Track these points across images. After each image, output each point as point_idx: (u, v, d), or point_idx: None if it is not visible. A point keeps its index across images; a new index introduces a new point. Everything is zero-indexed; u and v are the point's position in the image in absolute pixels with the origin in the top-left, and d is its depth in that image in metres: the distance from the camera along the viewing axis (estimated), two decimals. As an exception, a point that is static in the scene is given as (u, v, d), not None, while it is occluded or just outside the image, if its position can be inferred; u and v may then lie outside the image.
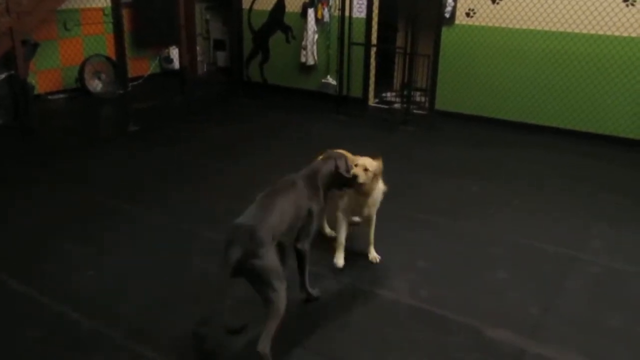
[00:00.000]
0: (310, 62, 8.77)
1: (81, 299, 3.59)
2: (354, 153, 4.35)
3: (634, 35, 6.55)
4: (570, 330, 3.37)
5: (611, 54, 6.73)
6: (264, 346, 2.79)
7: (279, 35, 9.14)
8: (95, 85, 8.67)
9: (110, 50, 8.72)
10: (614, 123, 6.90)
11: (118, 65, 7.76)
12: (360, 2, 8.14)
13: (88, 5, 8.59)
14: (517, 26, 7.20)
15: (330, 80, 8.73)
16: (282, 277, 2.88)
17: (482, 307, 3.58)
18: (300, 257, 3.37)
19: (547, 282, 3.89)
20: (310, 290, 3.53)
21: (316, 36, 8.65)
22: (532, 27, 7.11)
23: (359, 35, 8.17)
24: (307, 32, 8.62)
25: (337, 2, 8.13)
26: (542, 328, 3.39)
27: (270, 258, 2.83)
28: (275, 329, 2.83)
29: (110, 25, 7.55)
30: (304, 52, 8.77)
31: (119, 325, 3.33)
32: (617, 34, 6.65)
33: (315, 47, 8.70)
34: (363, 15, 8.19)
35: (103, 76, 8.71)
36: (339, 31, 8.00)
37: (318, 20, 8.57)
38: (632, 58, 6.62)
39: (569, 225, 4.76)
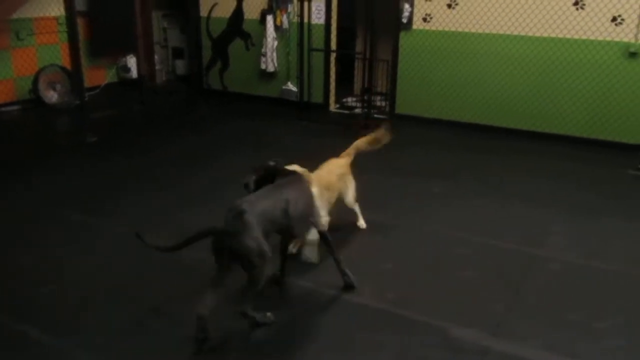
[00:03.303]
0: (271, 68, 8.76)
1: (42, 315, 3.49)
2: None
3: (584, 37, 6.76)
4: (533, 327, 3.44)
5: (563, 56, 6.93)
6: (245, 308, 3.16)
7: (238, 43, 9.10)
8: (51, 95, 8.47)
9: (65, 60, 8.53)
10: (568, 123, 7.09)
11: (74, 75, 7.61)
12: (319, 8, 8.17)
13: (41, 14, 8.40)
14: (473, 30, 7.34)
15: (291, 86, 8.74)
16: (264, 255, 3.07)
17: (448, 307, 3.62)
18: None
19: (510, 280, 3.97)
20: (345, 273, 3.75)
21: (276, 43, 8.65)
22: (487, 31, 7.27)
23: (318, 42, 8.20)
24: (266, 39, 8.61)
25: (296, 9, 8.15)
26: (505, 326, 3.45)
27: (252, 240, 3.01)
28: (254, 296, 3.16)
29: (65, 35, 7.39)
30: (263, 59, 8.76)
31: (83, 341, 3.25)
32: (568, 36, 6.84)
33: (275, 53, 8.70)
34: (322, 21, 8.22)
35: (58, 86, 8.52)
36: (299, 37, 8.02)
37: (277, 27, 8.57)
38: (583, 60, 6.83)
39: (531, 223, 4.87)
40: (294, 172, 3.62)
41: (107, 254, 4.26)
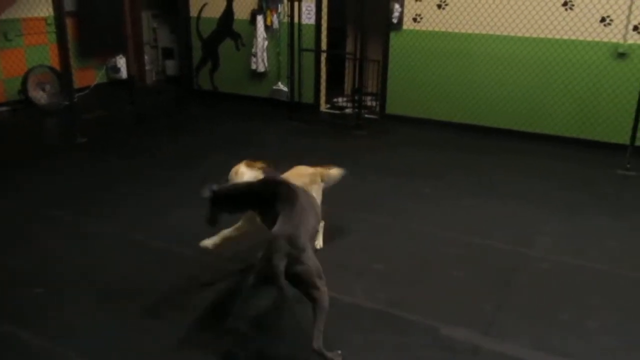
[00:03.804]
0: (261, 69, 8.75)
1: (36, 317, 3.46)
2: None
3: (573, 38, 6.80)
4: (523, 326, 3.46)
5: (553, 56, 6.97)
6: (318, 343, 2.92)
7: (228, 43, 9.08)
8: (40, 96, 8.41)
9: (54, 61, 8.48)
10: (558, 123, 7.14)
11: (63, 76, 7.56)
12: (309, 8, 8.17)
13: (30, 15, 8.34)
14: (463, 30, 7.37)
15: (282, 86, 8.73)
16: (322, 275, 3.01)
17: (440, 307, 3.63)
18: None
19: (501, 279, 3.99)
20: None
21: (266, 43, 8.64)
22: (477, 32, 7.30)
23: (309, 42, 8.20)
24: (256, 39, 8.60)
25: (286, 9, 8.15)
26: (496, 324, 3.47)
27: (311, 261, 2.98)
28: (324, 324, 2.95)
29: (54, 35, 7.34)
30: (254, 59, 8.74)
31: (80, 344, 3.22)
32: (557, 37, 6.89)
33: (265, 54, 8.69)
34: (312, 21, 8.22)
35: (48, 87, 8.46)
36: (289, 38, 8.02)
37: (267, 27, 8.56)
38: (573, 60, 6.87)
39: (522, 223, 4.89)
40: (290, 188, 3.36)
41: (99, 254, 4.23)
